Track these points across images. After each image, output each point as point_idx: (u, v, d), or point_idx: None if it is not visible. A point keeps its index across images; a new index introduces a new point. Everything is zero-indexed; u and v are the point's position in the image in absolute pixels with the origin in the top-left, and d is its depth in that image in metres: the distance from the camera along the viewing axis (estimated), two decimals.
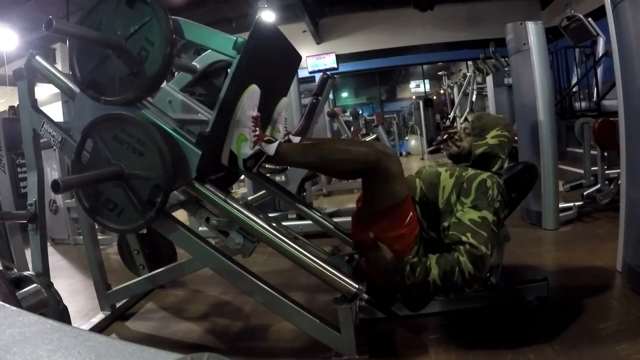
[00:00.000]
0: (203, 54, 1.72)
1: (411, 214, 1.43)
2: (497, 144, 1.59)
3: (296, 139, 1.61)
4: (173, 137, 1.36)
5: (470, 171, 1.49)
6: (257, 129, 1.41)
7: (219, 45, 1.43)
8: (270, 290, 1.39)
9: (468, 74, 8.08)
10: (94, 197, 1.43)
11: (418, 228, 1.46)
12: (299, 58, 1.82)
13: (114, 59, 1.37)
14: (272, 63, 1.60)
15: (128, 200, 1.37)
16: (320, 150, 1.47)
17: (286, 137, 1.60)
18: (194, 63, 1.70)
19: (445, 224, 1.43)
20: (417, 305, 1.53)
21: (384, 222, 1.41)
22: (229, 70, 1.42)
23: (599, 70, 4.19)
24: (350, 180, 5.09)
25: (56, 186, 1.17)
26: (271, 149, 1.41)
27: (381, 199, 1.42)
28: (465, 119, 1.69)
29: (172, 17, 1.36)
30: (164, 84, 1.65)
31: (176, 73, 1.78)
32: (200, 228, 2.38)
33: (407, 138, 10.09)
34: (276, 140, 1.45)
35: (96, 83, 1.41)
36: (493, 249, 1.35)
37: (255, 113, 1.41)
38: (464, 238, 1.33)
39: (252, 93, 1.40)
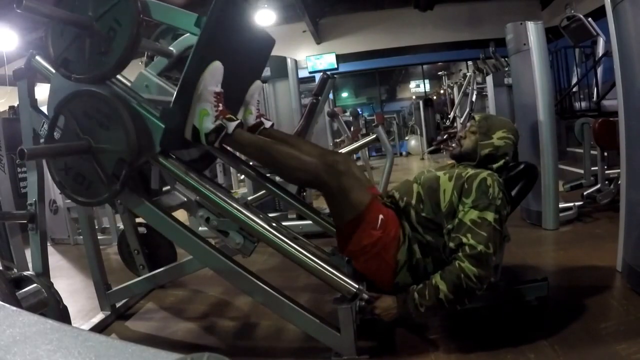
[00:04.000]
0: (179, 38, 1.74)
1: (381, 216, 1.44)
2: (503, 146, 1.58)
3: (268, 123, 1.65)
4: (139, 112, 1.40)
5: (471, 170, 1.48)
6: (220, 104, 1.42)
7: (182, 23, 1.46)
8: (270, 290, 1.39)
9: (468, 74, 8.06)
10: (64, 172, 1.49)
11: (396, 227, 1.46)
12: (272, 41, 1.82)
13: (84, 39, 1.41)
14: (239, 42, 1.61)
15: (95, 173, 1.42)
16: (273, 152, 1.47)
17: (258, 119, 1.62)
18: (170, 48, 1.73)
19: (450, 226, 1.43)
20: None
21: (357, 233, 1.43)
22: None
23: (599, 70, 4.17)
24: None
25: (22, 154, 1.22)
26: (230, 126, 1.43)
27: (343, 212, 1.44)
28: (472, 118, 1.68)
29: None
30: (143, 70, 1.70)
31: (155, 58, 1.80)
32: (200, 228, 2.38)
33: (407, 138, 10.10)
34: (238, 120, 1.46)
35: (68, 62, 1.46)
36: (495, 246, 1.35)
37: (218, 89, 1.42)
38: (464, 239, 1.34)
39: (215, 69, 1.41)
